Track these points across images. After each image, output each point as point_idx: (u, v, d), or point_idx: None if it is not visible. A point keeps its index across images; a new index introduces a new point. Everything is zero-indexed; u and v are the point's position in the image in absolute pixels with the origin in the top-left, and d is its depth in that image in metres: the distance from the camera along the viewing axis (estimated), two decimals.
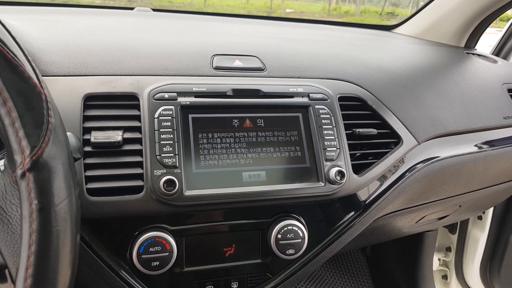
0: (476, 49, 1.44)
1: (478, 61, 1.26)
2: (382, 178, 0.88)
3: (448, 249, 1.76)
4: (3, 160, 0.47)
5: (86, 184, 0.67)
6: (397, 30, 1.57)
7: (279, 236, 0.76)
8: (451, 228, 1.72)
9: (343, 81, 0.90)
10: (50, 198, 0.39)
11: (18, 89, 0.38)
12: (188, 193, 0.69)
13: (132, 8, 1.25)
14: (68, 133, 0.54)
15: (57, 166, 0.40)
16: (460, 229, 1.69)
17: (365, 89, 0.91)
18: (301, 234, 0.77)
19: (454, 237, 1.73)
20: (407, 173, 0.90)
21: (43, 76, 0.71)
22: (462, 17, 1.35)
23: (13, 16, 0.92)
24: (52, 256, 0.38)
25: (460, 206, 1.19)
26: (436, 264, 1.75)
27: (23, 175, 0.38)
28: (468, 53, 1.32)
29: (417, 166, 0.92)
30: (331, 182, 0.77)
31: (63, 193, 0.40)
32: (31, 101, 0.39)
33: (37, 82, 0.40)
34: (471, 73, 1.17)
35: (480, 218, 1.62)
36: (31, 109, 0.39)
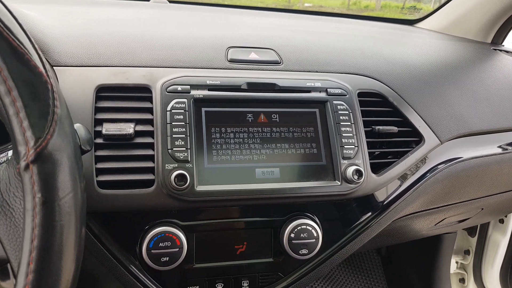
0: (503, 46, 1.37)
1: (506, 58, 1.20)
2: (402, 178, 0.84)
3: (467, 252, 1.70)
4: (10, 151, 0.45)
5: (96, 176, 0.66)
6: (419, 24, 1.51)
7: (292, 235, 0.74)
8: (471, 230, 1.67)
9: (363, 76, 0.87)
10: (54, 191, 0.37)
11: (23, 78, 0.37)
12: (199, 188, 0.67)
13: (148, 0, 1.23)
14: (77, 125, 0.52)
15: (62, 159, 0.38)
16: (480, 232, 1.63)
17: (386, 85, 0.87)
18: (315, 234, 0.75)
19: (474, 240, 1.67)
20: (428, 174, 0.87)
21: (55, 66, 0.70)
22: (489, 12, 1.29)
23: (28, 6, 0.91)
24: (55, 251, 0.37)
25: (482, 209, 1.14)
26: (453, 267, 1.70)
27: (26, 167, 0.36)
28: (495, 49, 1.26)
29: (439, 166, 0.88)
30: (348, 181, 0.74)
31: (67, 187, 0.39)
32: (36, 90, 0.38)
33: (43, 71, 0.39)
34: (498, 70, 1.11)
35: (501, 221, 1.56)
36: (37, 99, 0.37)
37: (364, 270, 1.74)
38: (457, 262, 1.73)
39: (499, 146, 0.98)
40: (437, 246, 1.53)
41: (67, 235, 0.38)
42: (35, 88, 0.37)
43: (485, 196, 1.05)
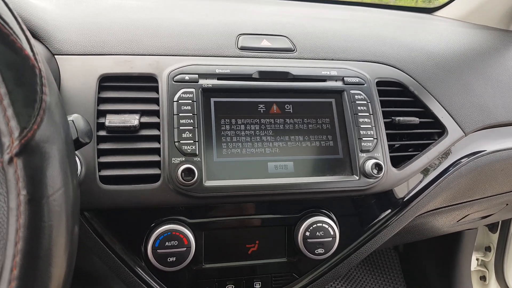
0: None
1: None
2: (424, 172, 0.79)
3: (488, 249, 1.65)
4: None
5: (99, 171, 0.62)
6: (439, 13, 1.44)
7: (307, 233, 0.69)
8: (492, 226, 1.61)
9: (382, 64, 0.82)
10: (41, 188, 0.33)
11: (7, 61, 0.33)
12: (208, 183, 0.63)
13: None
14: (75, 115, 0.49)
15: (51, 151, 0.34)
16: (502, 228, 1.58)
17: (406, 73, 0.82)
18: (331, 232, 0.70)
19: (495, 236, 1.62)
20: (451, 168, 0.81)
21: (57, 54, 0.67)
22: None
23: None
24: (42, 256, 0.33)
25: (507, 204, 1.08)
26: (474, 264, 1.65)
27: (10, 160, 0.32)
28: None
29: (463, 160, 0.83)
30: (367, 175, 0.69)
31: (57, 183, 0.35)
32: (22, 75, 0.34)
33: (30, 54, 0.34)
34: None
35: None
36: (22, 84, 0.33)
37: (381, 267, 1.69)
38: (477, 259, 1.68)
39: None
40: (457, 242, 1.48)
41: (56, 237, 0.34)
42: (21, 72, 0.33)
43: (510, 191, 0.99)
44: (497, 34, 1.18)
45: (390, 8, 1.49)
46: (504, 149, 0.88)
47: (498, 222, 1.57)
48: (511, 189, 0.99)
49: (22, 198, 0.32)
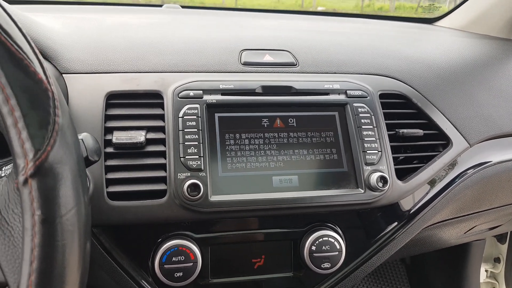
0: None
1: None
2: (429, 184, 0.79)
3: (497, 260, 1.63)
4: (11, 164, 0.43)
5: (107, 187, 0.63)
6: (439, 23, 1.45)
7: (313, 248, 0.69)
8: (500, 237, 1.59)
9: (384, 76, 0.82)
10: (55, 208, 0.34)
11: (22, 85, 0.34)
12: (213, 198, 0.64)
13: (161, 5, 1.22)
14: (84, 134, 0.50)
15: (64, 172, 0.35)
16: (511, 239, 1.55)
17: (409, 85, 0.82)
18: (337, 246, 0.70)
19: (504, 247, 1.60)
20: (457, 179, 0.81)
21: (64, 73, 0.68)
22: None
23: (39, 14, 0.90)
24: (56, 275, 0.34)
25: None
26: (483, 276, 1.62)
27: (25, 181, 0.33)
28: None
29: (469, 171, 0.83)
30: (372, 188, 0.69)
31: (70, 203, 0.35)
32: (36, 99, 0.35)
33: (43, 77, 0.36)
34: None
35: None
36: (36, 107, 0.34)
37: (388, 279, 1.67)
38: (486, 271, 1.65)
39: None
40: (465, 254, 1.45)
41: (69, 256, 0.35)
42: (35, 96, 0.34)
43: None
44: (498, 43, 1.19)
45: (390, 19, 1.51)
46: (510, 160, 0.88)
47: (507, 232, 1.55)
48: None
49: (37, 218, 0.33)
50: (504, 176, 0.88)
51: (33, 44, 0.38)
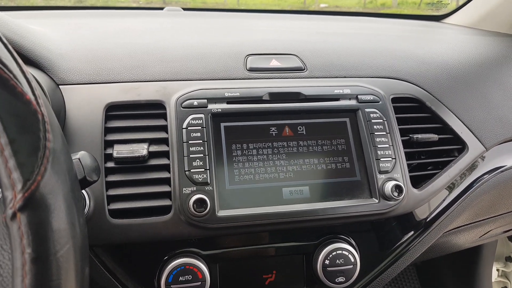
0: None
1: None
2: (446, 191, 0.76)
3: (508, 259, 1.60)
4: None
5: (108, 204, 0.60)
6: (447, 20, 1.41)
7: (327, 262, 0.66)
8: (511, 236, 1.56)
9: (396, 79, 0.79)
10: (47, 244, 0.31)
11: (8, 108, 0.31)
12: (221, 213, 0.61)
13: (162, 8, 1.18)
14: (81, 153, 0.46)
15: (57, 203, 0.32)
16: None
17: (422, 88, 0.79)
18: (352, 260, 0.67)
19: None
20: (474, 184, 0.78)
21: (61, 85, 0.65)
22: None
23: (38, 21, 0.87)
24: None
25: None
26: (494, 275, 1.59)
27: (13, 215, 0.30)
28: None
29: (485, 175, 0.79)
30: (387, 198, 0.66)
31: (64, 237, 0.32)
32: (24, 122, 0.31)
33: (32, 98, 0.32)
34: None
35: None
36: (24, 132, 0.31)
37: (398, 281, 1.64)
38: (498, 270, 1.62)
39: None
40: (476, 254, 1.43)
41: None
42: (23, 119, 0.31)
43: None
44: (510, 41, 1.15)
45: (397, 17, 1.47)
46: None
47: None
48: None
49: (27, 256, 0.30)
50: None
51: (20, 62, 0.34)
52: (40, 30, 0.75)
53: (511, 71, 0.95)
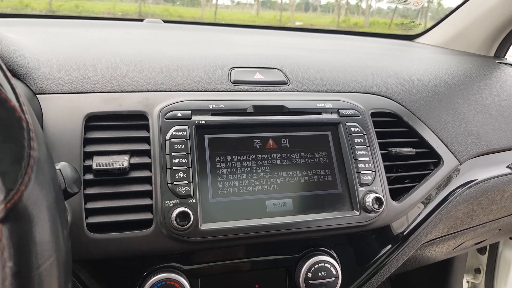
0: (506, 59, 1.33)
1: None
2: (422, 204, 0.77)
3: (477, 271, 1.65)
4: None
5: (86, 218, 0.58)
6: (420, 39, 1.47)
7: (309, 275, 0.66)
8: (480, 248, 1.61)
9: (375, 94, 0.81)
10: (30, 258, 0.29)
11: None
12: (204, 227, 0.60)
13: (142, 20, 1.17)
14: (62, 163, 0.45)
15: (40, 214, 0.30)
16: (490, 250, 1.58)
17: (400, 103, 0.81)
18: (334, 272, 0.67)
19: (484, 258, 1.62)
20: (449, 197, 0.80)
21: (39, 94, 0.63)
22: (492, 25, 1.25)
23: (13, 29, 0.84)
24: None
25: (500, 229, 1.08)
26: (465, 287, 1.63)
27: None
28: (500, 62, 1.22)
29: (459, 188, 0.82)
30: (368, 210, 0.67)
31: (47, 250, 0.30)
32: (7, 130, 0.30)
33: (16, 105, 0.31)
34: (508, 84, 1.07)
35: None
36: (8, 140, 0.30)
37: None
38: (468, 282, 1.67)
39: None
40: (448, 266, 1.46)
41: None
42: (6, 127, 0.30)
43: (504, 217, 0.99)
44: (479, 60, 1.21)
45: (372, 35, 1.52)
46: (498, 176, 0.88)
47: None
48: (505, 215, 0.98)
49: (8, 270, 0.28)
50: (492, 192, 0.88)
51: (3, 67, 0.33)
52: (16, 38, 0.72)
53: (481, 89, 1.00)
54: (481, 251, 1.61)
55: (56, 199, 0.34)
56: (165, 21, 1.16)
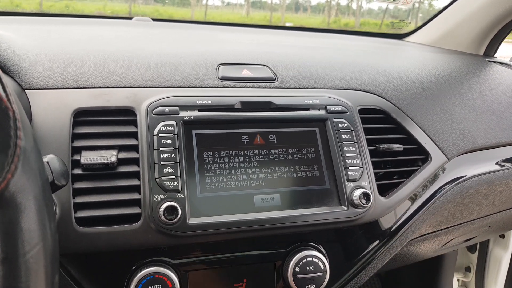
0: (496, 57, 1.35)
1: (502, 69, 1.18)
2: (410, 200, 0.78)
3: (468, 269, 1.66)
4: None
5: (75, 212, 0.58)
6: (409, 38, 1.49)
7: (297, 269, 0.66)
8: (470, 247, 1.62)
9: (363, 91, 0.82)
10: (17, 245, 0.29)
11: None
12: (192, 221, 0.60)
13: (130, 18, 1.17)
14: (49, 156, 0.45)
15: (27, 202, 0.31)
16: (481, 248, 1.59)
17: (388, 100, 0.82)
18: (322, 267, 0.67)
19: (474, 256, 1.63)
20: (437, 193, 0.81)
21: (27, 89, 0.63)
22: (481, 23, 1.27)
23: (2, 26, 0.84)
24: None
25: (489, 226, 1.09)
26: (455, 285, 1.65)
27: None
28: (489, 61, 1.24)
29: (447, 185, 0.83)
30: (355, 205, 0.68)
31: (34, 237, 0.31)
32: None
33: (3, 95, 0.31)
34: (497, 82, 1.08)
35: (502, 236, 1.52)
36: None
37: None
38: (458, 280, 1.68)
39: (506, 161, 0.94)
40: (438, 264, 1.47)
41: None
42: None
43: (493, 213, 1.00)
44: (468, 58, 1.22)
45: (362, 34, 1.53)
46: (486, 173, 0.89)
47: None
48: (494, 212, 0.99)
49: None
50: (481, 189, 0.89)
51: None
52: (5, 34, 0.72)
53: (470, 87, 1.01)
54: (471, 249, 1.62)
55: (43, 190, 0.34)
56: (154, 19, 1.16)
